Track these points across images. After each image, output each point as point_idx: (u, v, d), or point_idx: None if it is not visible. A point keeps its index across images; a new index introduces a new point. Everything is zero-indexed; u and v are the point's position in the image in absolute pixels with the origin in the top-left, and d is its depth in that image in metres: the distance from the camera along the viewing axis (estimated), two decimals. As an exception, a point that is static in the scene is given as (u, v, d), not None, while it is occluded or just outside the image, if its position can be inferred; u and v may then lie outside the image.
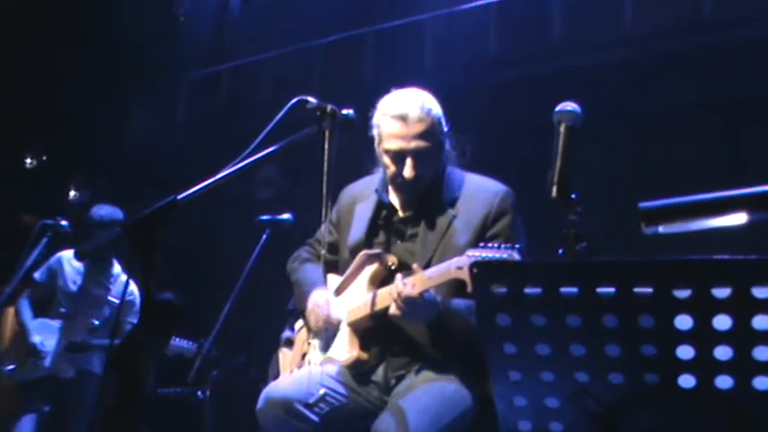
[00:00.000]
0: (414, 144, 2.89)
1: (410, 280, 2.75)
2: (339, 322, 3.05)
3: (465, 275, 2.62)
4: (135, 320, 5.35)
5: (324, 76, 8.79)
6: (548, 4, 7.63)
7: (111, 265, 5.53)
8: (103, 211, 5.39)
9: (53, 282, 5.42)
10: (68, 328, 5.29)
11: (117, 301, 5.40)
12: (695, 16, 6.97)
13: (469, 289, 2.57)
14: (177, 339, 5.00)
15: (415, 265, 2.79)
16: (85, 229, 5.13)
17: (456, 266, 2.67)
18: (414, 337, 2.91)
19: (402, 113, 2.89)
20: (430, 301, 2.75)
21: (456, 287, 2.78)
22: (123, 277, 5.50)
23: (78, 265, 5.46)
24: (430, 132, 2.90)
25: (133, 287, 5.44)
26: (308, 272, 3.25)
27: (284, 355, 3.50)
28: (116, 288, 5.47)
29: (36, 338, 5.24)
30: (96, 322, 5.31)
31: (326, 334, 3.10)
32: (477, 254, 2.61)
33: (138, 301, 5.42)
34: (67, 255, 5.43)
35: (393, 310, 2.78)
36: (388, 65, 8.25)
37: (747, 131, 6.67)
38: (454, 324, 2.81)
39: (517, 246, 2.60)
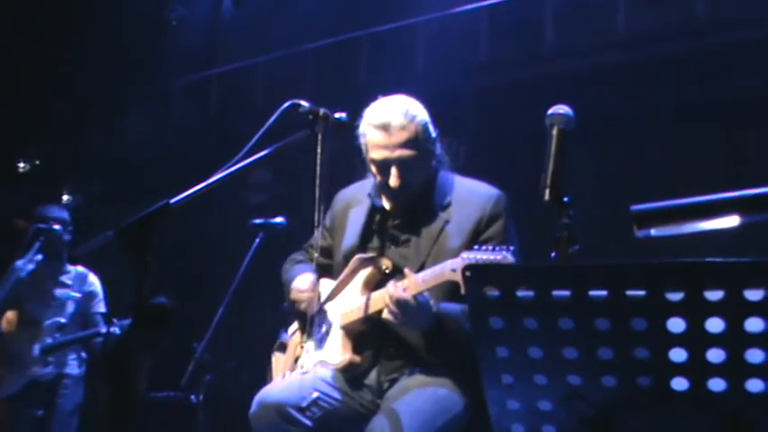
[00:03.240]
0: (398, 153, 2.87)
1: (403, 283, 2.75)
2: (325, 305, 3.06)
3: (459, 278, 2.62)
4: (102, 310, 5.35)
5: (316, 79, 8.78)
6: (540, 7, 7.63)
7: (63, 261, 5.44)
8: (48, 211, 5.34)
9: (14, 294, 5.33)
10: (38, 333, 5.24)
11: (79, 296, 5.37)
12: (689, 19, 6.97)
13: (463, 291, 2.57)
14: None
15: (407, 270, 2.79)
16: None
17: (450, 269, 2.68)
18: (407, 340, 2.91)
19: (384, 123, 2.88)
20: (423, 303, 2.75)
21: (450, 290, 2.78)
22: (80, 269, 5.44)
23: (31, 267, 5.40)
24: (414, 140, 2.88)
25: (92, 278, 5.43)
26: (295, 270, 3.25)
27: (277, 359, 3.50)
28: (76, 283, 5.43)
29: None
30: (63, 320, 5.27)
31: (319, 336, 3.10)
32: (472, 256, 2.61)
33: (99, 290, 5.43)
34: (19, 263, 5.33)
35: (387, 314, 2.78)
36: (381, 69, 8.25)
37: (745, 133, 6.68)
38: (447, 327, 2.81)
39: (511, 248, 2.61)
